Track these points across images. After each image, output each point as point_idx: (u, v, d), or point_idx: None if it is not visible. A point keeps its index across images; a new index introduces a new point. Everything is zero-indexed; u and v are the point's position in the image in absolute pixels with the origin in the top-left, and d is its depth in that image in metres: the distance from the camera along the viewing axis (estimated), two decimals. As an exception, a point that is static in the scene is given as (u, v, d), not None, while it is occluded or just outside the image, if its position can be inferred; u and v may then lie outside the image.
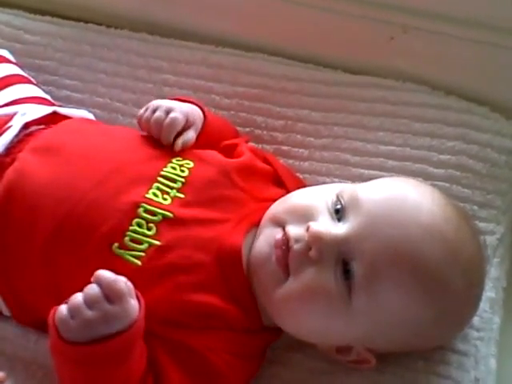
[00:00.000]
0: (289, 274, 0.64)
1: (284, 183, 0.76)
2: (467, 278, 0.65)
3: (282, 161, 0.84)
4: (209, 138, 0.77)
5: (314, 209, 0.66)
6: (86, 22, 0.98)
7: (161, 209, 0.67)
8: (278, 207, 0.69)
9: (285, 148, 0.86)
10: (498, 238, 0.79)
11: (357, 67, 0.89)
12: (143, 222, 0.66)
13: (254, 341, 0.68)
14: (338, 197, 0.67)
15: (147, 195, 0.68)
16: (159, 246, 0.66)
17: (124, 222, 0.66)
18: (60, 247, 0.66)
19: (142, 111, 0.76)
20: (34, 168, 0.70)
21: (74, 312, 0.58)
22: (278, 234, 0.66)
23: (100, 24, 0.98)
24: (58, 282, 0.66)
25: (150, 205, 0.67)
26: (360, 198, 0.65)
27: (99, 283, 0.59)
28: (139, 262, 0.65)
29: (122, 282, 0.59)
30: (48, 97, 0.88)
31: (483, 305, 0.73)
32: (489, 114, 0.84)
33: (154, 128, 0.73)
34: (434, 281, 0.63)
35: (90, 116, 0.87)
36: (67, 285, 0.64)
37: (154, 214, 0.67)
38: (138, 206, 0.67)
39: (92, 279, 0.59)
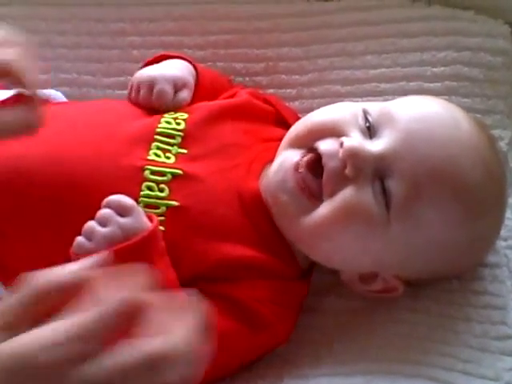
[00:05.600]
0: (317, 200, 0.61)
1: (289, 123, 0.72)
2: (502, 197, 0.64)
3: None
4: (204, 92, 0.73)
5: (343, 124, 0.63)
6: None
7: (168, 167, 0.64)
8: (299, 128, 0.66)
9: (271, 91, 0.82)
10: (506, 143, 0.77)
11: (330, -7, 0.85)
12: (153, 184, 0.63)
13: (295, 289, 0.66)
14: (364, 113, 0.64)
15: (149, 157, 0.65)
16: (177, 207, 0.62)
17: (134, 189, 0.63)
18: (67, 226, 0.62)
19: (128, 93, 0.72)
20: (20, 149, 0.65)
21: (89, 234, 0.57)
22: (295, 156, 0.63)
23: (49, -4, 0.92)
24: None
25: (155, 166, 0.64)
26: (394, 113, 0.63)
27: (108, 205, 0.58)
28: (162, 228, 0.61)
29: (130, 199, 0.59)
30: None
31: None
32: (475, 17, 0.81)
33: (145, 107, 0.70)
34: (474, 200, 0.61)
35: (58, 94, 0.82)
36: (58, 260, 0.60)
37: (162, 174, 0.64)
38: (143, 169, 0.64)
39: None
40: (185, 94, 0.71)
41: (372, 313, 0.67)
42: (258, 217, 0.64)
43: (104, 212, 0.58)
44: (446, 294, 0.68)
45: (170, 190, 0.63)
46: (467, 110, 0.75)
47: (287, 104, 0.81)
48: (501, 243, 0.71)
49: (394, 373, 0.62)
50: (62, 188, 0.63)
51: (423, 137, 0.61)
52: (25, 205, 0.64)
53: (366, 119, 0.63)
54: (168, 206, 0.62)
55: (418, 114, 0.63)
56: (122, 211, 0.58)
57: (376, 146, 0.61)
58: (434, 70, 0.79)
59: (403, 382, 0.61)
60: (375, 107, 0.64)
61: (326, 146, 0.62)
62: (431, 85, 0.78)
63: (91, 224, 0.58)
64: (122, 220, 0.58)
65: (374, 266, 0.64)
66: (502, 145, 0.76)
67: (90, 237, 0.57)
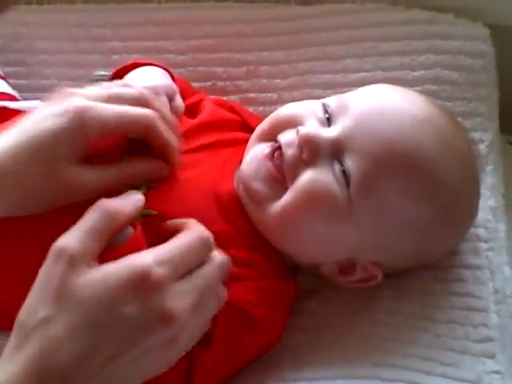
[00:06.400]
0: (286, 186, 0.63)
1: (254, 129, 0.71)
2: (462, 172, 0.64)
3: (251, 109, 0.81)
4: None
5: (302, 116, 0.65)
6: (15, 3, 0.92)
7: None
8: (264, 124, 0.68)
9: (252, 95, 0.83)
10: (487, 146, 0.77)
11: (311, -3, 0.85)
12: None
13: (284, 288, 0.66)
14: (323, 106, 0.66)
15: None
16: (156, 216, 0.62)
17: None
18: (37, 243, 0.61)
19: None
20: None
21: None
22: (266, 148, 0.65)
23: (30, 3, 0.91)
24: None
25: None
26: (348, 101, 0.65)
27: None
28: None
29: None
30: (4, 89, 0.81)
31: (486, 215, 0.72)
32: (455, 20, 0.82)
33: None
34: (431, 172, 0.62)
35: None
36: None
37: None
38: None
39: None
40: (180, 102, 0.71)
41: (354, 316, 0.67)
42: (237, 217, 0.65)
43: None
44: (429, 296, 0.68)
45: (146, 200, 0.63)
46: (448, 113, 0.76)
47: (268, 108, 0.81)
48: (482, 245, 0.71)
49: (375, 377, 0.61)
50: None
51: (375, 115, 0.63)
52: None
53: (325, 111, 0.65)
54: (145, 215, 0.61)
55: (370, 97, 0.65)
56: None
57: (332, 131, 0.63)
58: (415, 73, 0.79)
59: (384, 386, 0.60)
60: (333, 100, 0.67)
61: (285, 137, 0.64)
62: (411, 88, 0.77)
63: None
64: None
65: (347, 251, 0.64)
66: (483, 147, 0.76)
67: None
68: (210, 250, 0.55)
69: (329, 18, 0.83)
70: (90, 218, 0.52)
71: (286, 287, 0.66)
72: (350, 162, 0.61)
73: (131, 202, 0.56)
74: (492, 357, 0.63)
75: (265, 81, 0.82)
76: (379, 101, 0.65)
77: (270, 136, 0.66)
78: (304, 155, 0.62)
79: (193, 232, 0.55)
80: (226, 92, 0.82)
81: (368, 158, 0.61)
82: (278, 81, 0.82)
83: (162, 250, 0.52)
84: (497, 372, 0.62)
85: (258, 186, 0.64)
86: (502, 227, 0.73)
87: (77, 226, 0.52)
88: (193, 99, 0.76)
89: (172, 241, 0.53)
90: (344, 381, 0.61)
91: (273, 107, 0.81)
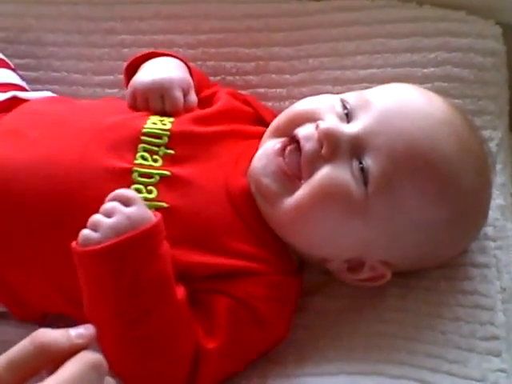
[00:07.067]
0: (299, 179, 0.63)
1: (267, 122, 0.72)
2: (476, 174, 0.64)
3: (260, 104, 0.80)
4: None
5: (320, 111, 0.65)
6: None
7: (155, 169, 0.64)
8: (280, 118, 0.68)
9: (261, 90, 0.82)
10: (497, 144, 0.77)
11: (321, -8, 0.84)
12: (141, 186, 0.63)
13: (291, 283, 0.66)
14: (342, 101, 0.65)
15: (136, 161, 0.64)
16: (166, 209, 0.62)
17: None
18: (53, 230, 0.62)
19: (129, 101, 0.71)
20: (2, 154, 0.65)
21: (95, 226, 0.57)
22: (277, 144, 0.64)
23: (40, -5, 0.92)
24: (54, 267, 0.63)
25: (143, 168, 0.64)
26: (369, 98, 0.65)
27: (112, 199, 0.57)
28: None
29: (132, 191, 0.60)
30: (15, 80, 0.81)
31: (494, 213, 0.72)
32: (466, 17, 0.81)
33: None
34: (449, 173, 0.62)
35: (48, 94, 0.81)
36: (63, 271, 0.61)
37: (150, 176, 0.64)
38: (132, 172, 0.63)
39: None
40: (194, 97, 0.71)
41: (359, 313, 0.67)
42: (249, 212, 0.65)
43: (108, 204, 0.58)
44: (435, 294, 0.68)
45: (158, 192, 0.63)
46: (457, 110, 0.76)
47: (277, 104, 0.81)
48: (490, 243, 0.71)
49: (380, 373, 0.61)
50: (52, 195, 0.63)
51: (397, 114, 0.63)
52: (15, 220, 0.64)
53: (344, 107, 0.65)
54: (157, 208, 0.62)
55: (392, 96, 0.65)
56: (125, 202, 0.58)
57: (352, 127, 0.63)
58: (425, 70, 0.78)
59: (388, 383, 0.60)
60: (352, 96, 0.66)
61: (304, 131, 0.64)
62: (421, 86, 0.77)
63: (97, 216, 0.57)
64: (127, 209, 0.57)
65: (358, 249, 0.64)
66: (492, 145, 0.76)
67: (96, 228, 0.57)
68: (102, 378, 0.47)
69: (339, 14, 0.82)
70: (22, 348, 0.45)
71: (292, 283, 0.66)
72: (370, 160, 0.61)
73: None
74: (498, 355, 0.63)
75: (274, 76, 0.82)
76: (401, 100, 0.65)
77: (285, 131, 0.65)
78: (324, 150, 0.61)
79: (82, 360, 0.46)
80: (235, 87, 0.82)
81: (388, 157, 0.61)
82: (288, 76, 0.82)
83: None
84: (502, 370, 0.61)
85: (267, 181, 0.63)
86: (510, 226, 0.73)
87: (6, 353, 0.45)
88: (207, 92, 0.76)
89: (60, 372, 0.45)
90: (348, 377, 0.61)
91: (282, 103, 0.81)
